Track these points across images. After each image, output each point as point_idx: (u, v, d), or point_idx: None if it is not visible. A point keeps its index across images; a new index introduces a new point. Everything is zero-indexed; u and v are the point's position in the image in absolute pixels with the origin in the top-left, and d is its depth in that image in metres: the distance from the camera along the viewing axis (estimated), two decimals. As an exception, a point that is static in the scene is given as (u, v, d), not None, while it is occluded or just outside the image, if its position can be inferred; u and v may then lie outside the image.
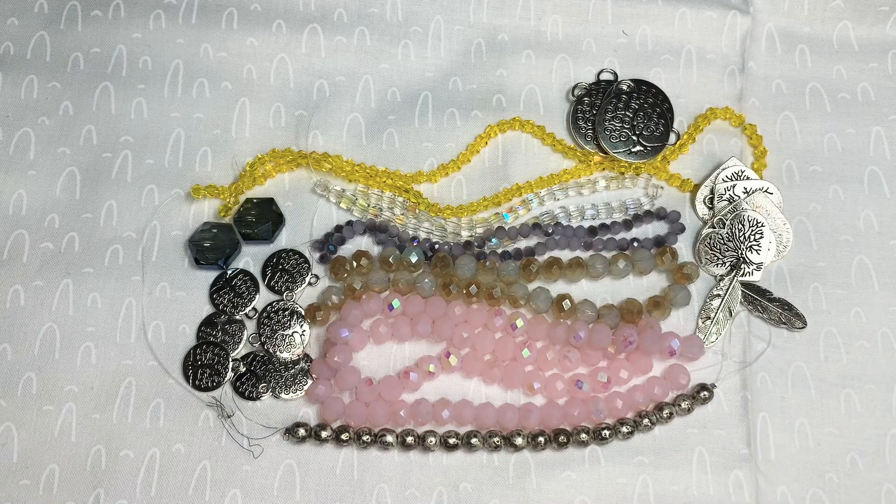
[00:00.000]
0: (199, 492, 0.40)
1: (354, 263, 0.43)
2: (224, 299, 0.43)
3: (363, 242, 0.45)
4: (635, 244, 0.45)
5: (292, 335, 0.42)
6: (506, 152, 0.47)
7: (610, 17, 0.49)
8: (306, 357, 0.42)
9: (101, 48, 0.48)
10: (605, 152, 0.46)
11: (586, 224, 0.45)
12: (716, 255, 0.44)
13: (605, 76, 0.48)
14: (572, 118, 0.47)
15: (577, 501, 0.40)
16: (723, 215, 0.45)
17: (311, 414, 0.41)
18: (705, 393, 0.41)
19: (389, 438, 0.40)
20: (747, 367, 0.42)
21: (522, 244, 0.45)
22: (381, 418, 0.41)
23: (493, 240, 0.44)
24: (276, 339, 0.42)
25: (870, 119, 0.48)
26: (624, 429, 0.40)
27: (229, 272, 0.43)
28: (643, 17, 0.49)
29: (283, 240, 0.44)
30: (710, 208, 0.45)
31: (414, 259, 0.43)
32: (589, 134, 0.47)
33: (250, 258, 0.44)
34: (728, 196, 0.45)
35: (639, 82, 0.48)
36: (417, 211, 0.45)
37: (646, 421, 0.41)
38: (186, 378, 0.41)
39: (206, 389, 0.41)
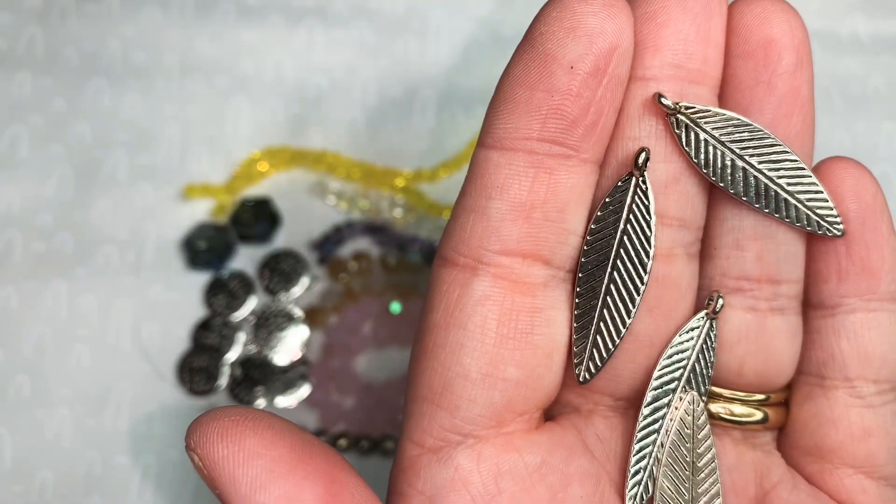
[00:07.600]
0: (196, 499, 0.39)
1: (354, 265, 0.42)
2: (220, 301, 0.42)
3: (362, 243, 0.44)
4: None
5: (289, 338, 0.42)
6: (508, 150, 0.46)
7: (615, 11, 0.49)
8: (304, 361, 0.41)
9: (95, 43, 0.47)
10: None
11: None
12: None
13: (610, 71, 0.47)
14: (576, 115, 0.46)
15: None
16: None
17: (309, 419, 0.41)
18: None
19: (390, 445, 0.40)
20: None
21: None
22: (382, 423, 0.40)
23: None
24: (273, 342, 0.42)
25: (881, 115, 0.47)
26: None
27: (225, 274, 0.43)
28: (649, 11, 0.48)
29: (280, 240, 0.44)
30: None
31: (414, 260, 0.43)
32: (593, 131, 0.46)
33: (247, 259, 0.43)
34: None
35: (644, 78, 0.47)
36: (418, 211, 0.44)
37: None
38: (181, 382, 0.41)
39: (202, 394, 0.41)
